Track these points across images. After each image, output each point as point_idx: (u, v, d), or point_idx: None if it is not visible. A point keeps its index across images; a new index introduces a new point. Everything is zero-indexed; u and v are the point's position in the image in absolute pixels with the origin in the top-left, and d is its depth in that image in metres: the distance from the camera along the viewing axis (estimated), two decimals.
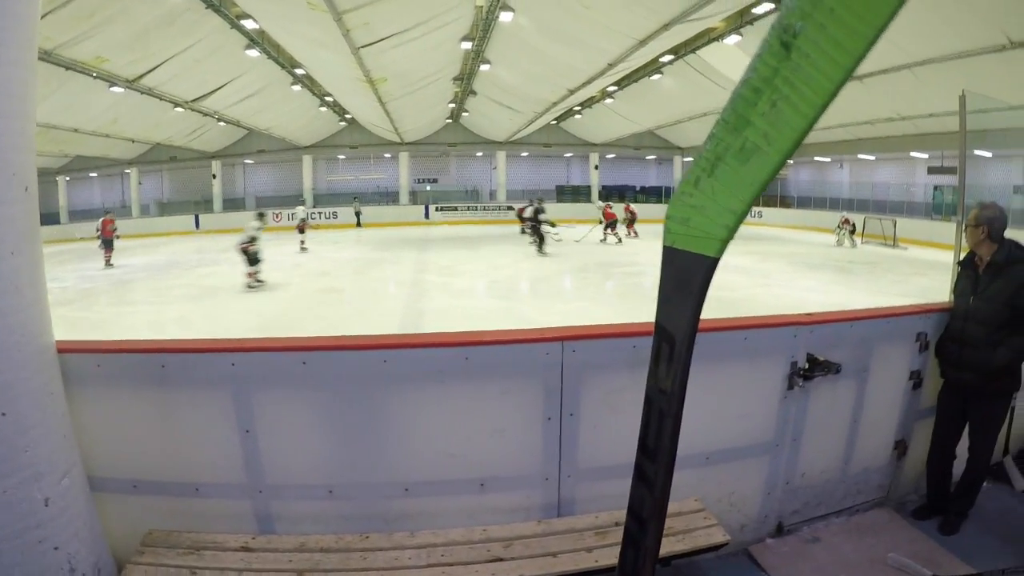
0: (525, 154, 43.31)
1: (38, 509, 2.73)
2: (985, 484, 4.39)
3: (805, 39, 1.03)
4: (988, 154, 26.84)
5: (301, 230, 25.37)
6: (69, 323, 12.01)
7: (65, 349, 3.08)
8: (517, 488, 3.33)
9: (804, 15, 1.01)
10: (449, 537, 3.16)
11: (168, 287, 16.74)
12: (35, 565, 2.76)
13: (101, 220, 21.76)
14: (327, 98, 30.20)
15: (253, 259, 15.78)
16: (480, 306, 12.82)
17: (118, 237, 21.84)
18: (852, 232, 27.26)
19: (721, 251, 1.25)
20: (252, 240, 15.81)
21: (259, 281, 15.81)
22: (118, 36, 17.11)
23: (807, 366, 3.73)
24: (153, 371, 3.16)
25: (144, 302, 14.93)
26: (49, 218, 37.80)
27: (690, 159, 44.64)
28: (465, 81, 27.29)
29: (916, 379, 4.35)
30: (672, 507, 3.24)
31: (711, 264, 1.25)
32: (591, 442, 3.34)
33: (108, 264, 21.15)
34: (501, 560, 3.00)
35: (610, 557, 2.95)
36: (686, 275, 1.30)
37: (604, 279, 17.39)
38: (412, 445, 3.23)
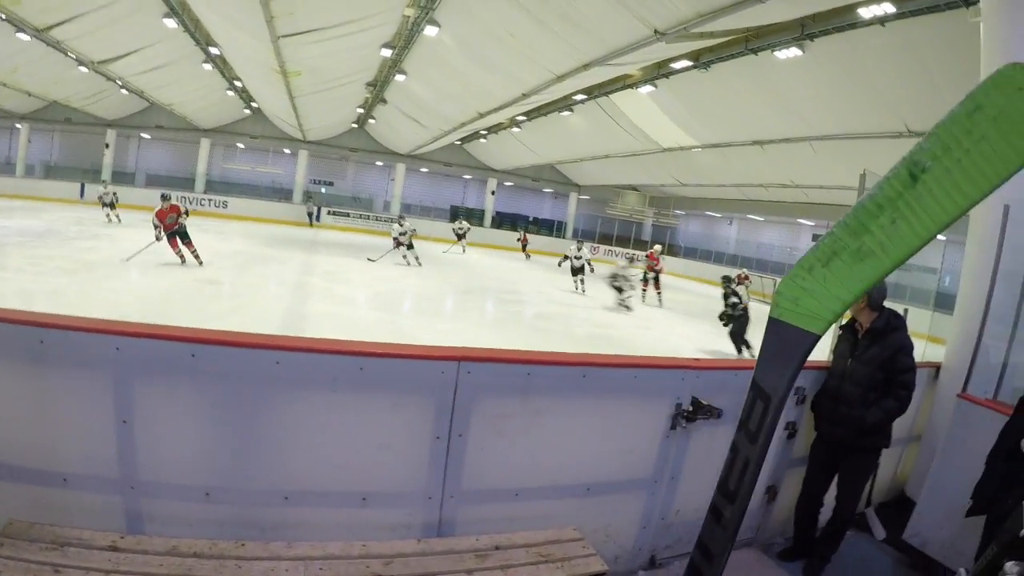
0: (425, 170, 43.31)
1: None
2: (848, 532, 4.77)
3: (931, 176, 1.25)
4: None
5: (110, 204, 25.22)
6: None
7: None
8: (399, 505, 3.30)
9: (934, 157, 1.24)
10: (327, 551, 3.07)
11: (44, 256, 15.61)
12: None
13: None
14: (236, 83, 29.44)
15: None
16: (363, 316, 12.65)
17: None
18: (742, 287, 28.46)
19: (824, 330, 1.45)
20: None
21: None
22: None
23: (691, 408, 3.94)
24: (30, 345, 2.86)
25: (16, 268, 13.79)
26: None
27: (586, 197, 45.94)
28: (378, 88, 27.09)
29: (791, 429, 4.72)
30: (550, 534, 3.45)
31: (814, 340, 1.45)
32: (476, 465, 3.38)
33: None
34: None
35: None
36: (789, 346, 1.50)
37: (485, 303, 17.70)
38: (296, 452, 3.10)
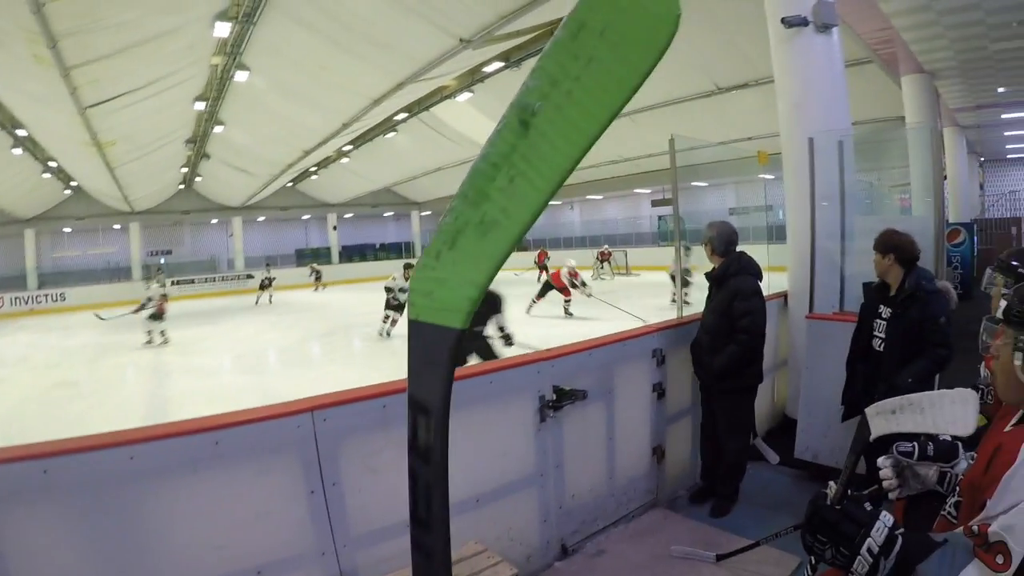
0: (262, 218, 42.53)
1: None
2: (748, 466, 5.00)
3: (543, 119, 1.10)
4: (704, 184, 30.20)
5: None
6: None
7: None
8: (296, 569, 3.16)
9: (543, 95, 1.10)
10: None
11: None
12: None
13: None
14: (51, 163, 27.65)
15: None
16: (228, 384, 12.20)
17: None
18: (606, 264, 29.75)
19: (465, 322, 1.28)
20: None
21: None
22: None
23: (555, 397, 4.02)
24: None
25: None
26: None
27: (427, 212, 45.93)
28: (198, 144, 26.36)
29: (659, 390, 4.91)
30: (454, 555, 3.29)
31: (456, 335, 1.28)
32: (360, 507, 3.28)
33: None
34: None
35: None
36: (433, 347, 1.33)
37: (350, 341, 17.33)
38: (174, 543, 2.92)
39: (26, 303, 31.69)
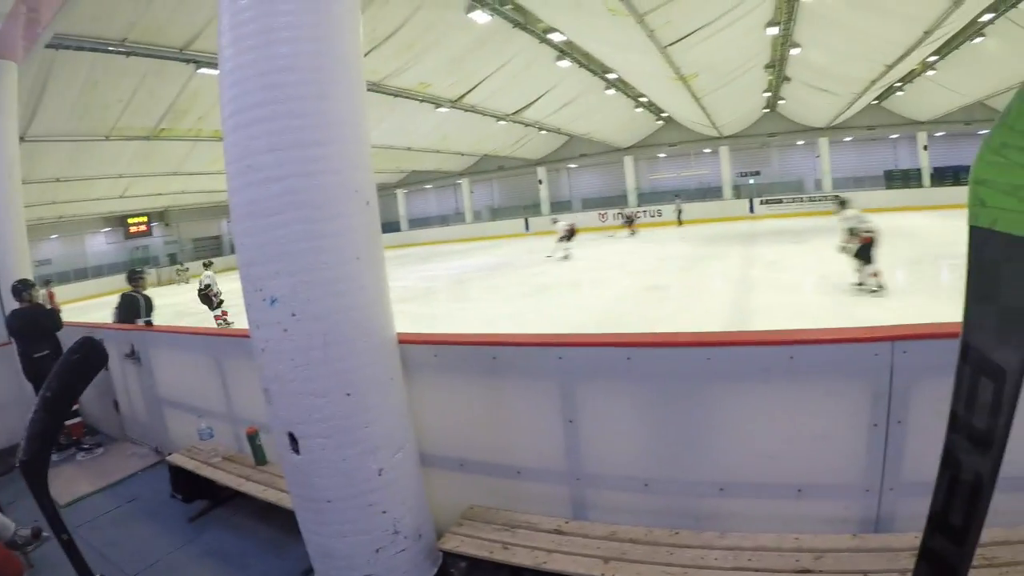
0: (848, 139, 39.65)
1: (371, 477, 3.20)
2: None
3: None
4: None
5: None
6: (412, 318, 13.37)
7: (406, 340, 3.56)
8: (835, 497, 3.07)
9: None
10: (759, 542, 3.03)
11: (501, 285, 17.85)
12: (365, 523, 3.23)
13: None
14: (641, 99, 30.24)
15: None
16: (809, 303, 11.84)
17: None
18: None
19: None
20: None
21: None
22: (436, 63, 18.73)
23: None
24: (485, 362, 3.55)
25: (479, 299, 16.18)
26: (390, 227, 44.22)
27: None
28: (777, 68, 25.85)
29: None
30: (997, 533, 2.75)
31: None
32: (918, 454, 2.91)
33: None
34: (809, 572, 2.79)
35: None
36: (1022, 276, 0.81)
37: (938, 272, 15.37)
38: (730, 445, 3.16)
39: (624, 218, 35.26)
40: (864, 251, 12.25)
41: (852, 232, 12.25)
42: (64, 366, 3.36)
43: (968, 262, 0.89)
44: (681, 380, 3.17)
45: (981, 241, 0.84)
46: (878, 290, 11.87)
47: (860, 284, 12.33)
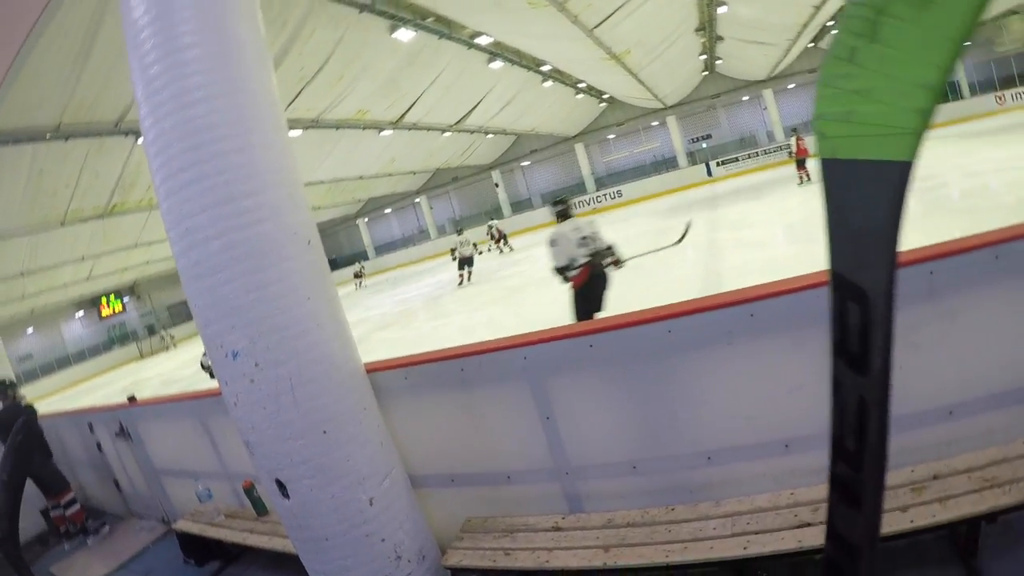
0: (792, 86, 39.70)
1: (363, 508, 3.22)
2: None
3: None
4: None
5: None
6: (391, 344, 13.51)
7: (373, 368, 3.63)
8: (822, 447, 2.93)
9: None
10: (755, 504, 3.08)
11: (472, 295, 17.96)
12: (366, 554, 3.24)
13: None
14: (580, 85, 30.29)
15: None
16: (776, 255, 11.95)
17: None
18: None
19: (915, 149, 0.79)
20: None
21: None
22: (370, 88, 18.64)
23: None
24: (454, 375, 3.60)
25: (455, 312, 16.08)
26: (361, 255, 44.47)
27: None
28: (708, 29, 26.04)
29: None
30: (994, 453, 2.84)
31: (903, 172, 0.80)
32: (898, 388, 2.73)
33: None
34: (809, 525, 2.82)
35: (926, 516, 2.63)
36: (866, 197, 0.85)
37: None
38: (709, 413, 3.19)
39: (588, 204, 36.38)
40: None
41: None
42: (11, 448, 3.46)
43: (822, 194, 0.94)
44: (646, 357, 3.21)
45: (828, 171, 0.88)
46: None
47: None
